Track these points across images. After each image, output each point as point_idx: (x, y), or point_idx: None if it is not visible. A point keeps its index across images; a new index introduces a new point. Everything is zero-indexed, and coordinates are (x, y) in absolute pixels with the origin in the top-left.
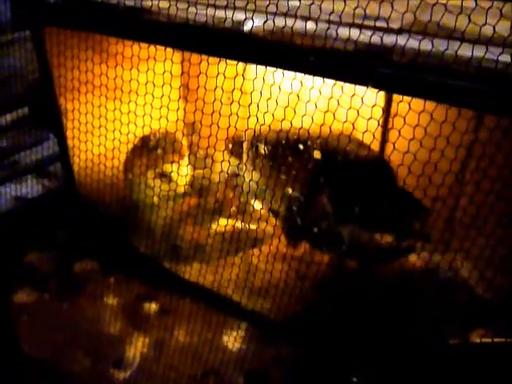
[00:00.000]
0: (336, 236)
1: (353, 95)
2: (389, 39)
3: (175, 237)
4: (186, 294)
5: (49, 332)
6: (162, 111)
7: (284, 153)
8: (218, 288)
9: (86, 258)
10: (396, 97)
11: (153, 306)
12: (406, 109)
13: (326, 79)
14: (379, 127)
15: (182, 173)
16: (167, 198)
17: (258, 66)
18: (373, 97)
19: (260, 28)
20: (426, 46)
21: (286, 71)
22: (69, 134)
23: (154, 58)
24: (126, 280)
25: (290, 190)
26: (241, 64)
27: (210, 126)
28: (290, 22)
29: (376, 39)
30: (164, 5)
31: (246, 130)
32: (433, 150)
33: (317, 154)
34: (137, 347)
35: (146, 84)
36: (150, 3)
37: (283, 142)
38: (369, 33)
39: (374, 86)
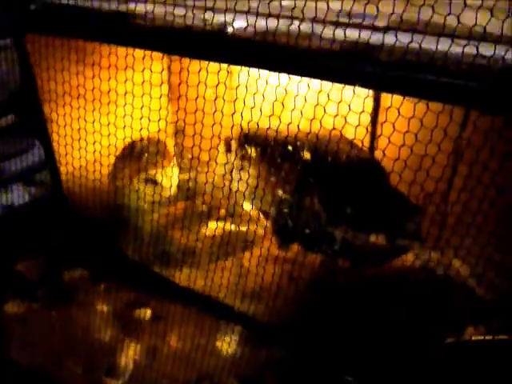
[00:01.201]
0: (328, 237)
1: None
2: (375, 37)
3: (165, 242)
4: (177, 299)
5: (40, 341)
6: (144, 111)
7: (274, 153)
8: (210, 292)
9: (75, 265)
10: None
11: (144, 313)
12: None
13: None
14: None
15: (169, 176)
16: (156, 203)
17: None
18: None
19: (244, 29)
20: (414, 43)
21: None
22: (54, 138)
23: (133, 56)
24: (117, 287)
25: (280, 191)
26: None
27: (194, 124)
28: (273, 22)
29: (363, 38)
30: (147, 9)
31: (232, 127)
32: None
33: (307, 155)
34: (129, 354)
35: (124, 82)
36: (132, 7)
37: (273, 141)
38: (355, 31)
39: (363, 86)
